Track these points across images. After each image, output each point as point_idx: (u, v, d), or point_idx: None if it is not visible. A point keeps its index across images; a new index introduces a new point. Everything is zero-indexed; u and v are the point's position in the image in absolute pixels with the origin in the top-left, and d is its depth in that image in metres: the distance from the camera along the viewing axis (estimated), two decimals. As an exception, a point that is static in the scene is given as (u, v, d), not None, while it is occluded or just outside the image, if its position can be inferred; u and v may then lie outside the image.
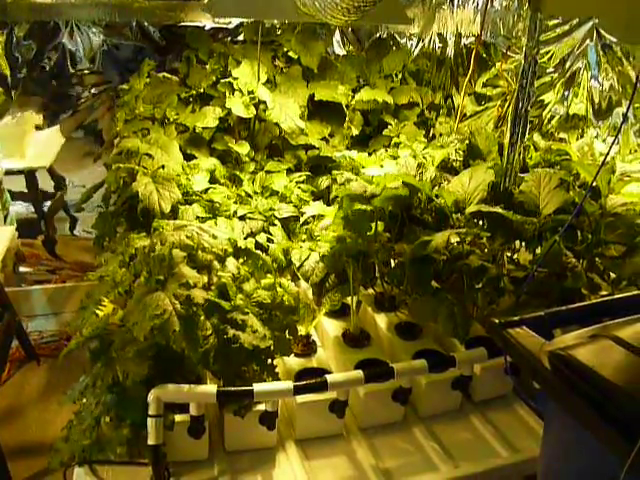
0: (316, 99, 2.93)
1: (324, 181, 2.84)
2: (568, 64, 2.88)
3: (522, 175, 2.30)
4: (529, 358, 1.12)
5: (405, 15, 2.36)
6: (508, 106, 2.60)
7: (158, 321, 1.62)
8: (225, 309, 1.73)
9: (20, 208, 3.85)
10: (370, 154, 2.95)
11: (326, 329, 2.24)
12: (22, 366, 2.87)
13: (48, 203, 3.87)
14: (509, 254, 2.39)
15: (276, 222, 2.42)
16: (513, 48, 2.69)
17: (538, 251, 2.25)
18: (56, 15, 2.94)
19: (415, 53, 3.26)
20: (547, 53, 2.83)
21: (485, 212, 2.01)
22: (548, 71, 2.76)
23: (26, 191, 3.63)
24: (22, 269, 3.50)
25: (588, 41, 2.89)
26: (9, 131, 3.20)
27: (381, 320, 2.29)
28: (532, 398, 2.02)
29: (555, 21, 2.50)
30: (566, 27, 2.79)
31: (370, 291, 2.38)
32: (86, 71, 3.52)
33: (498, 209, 1.97)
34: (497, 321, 1.23)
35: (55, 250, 3.68)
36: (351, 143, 3.07)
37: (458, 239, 1.94)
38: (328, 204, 2.70)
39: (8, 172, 3.16)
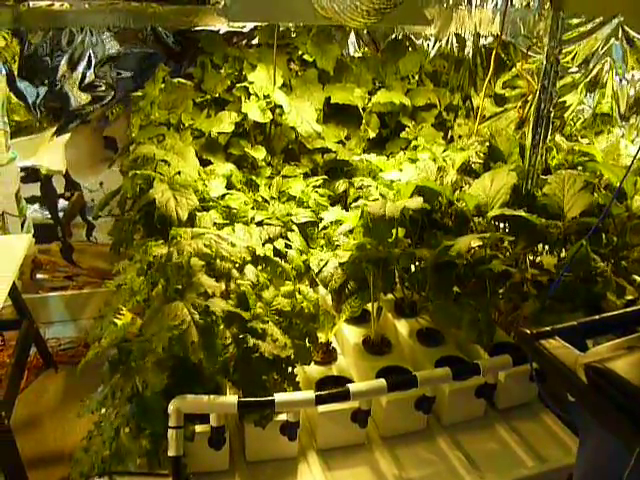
0: (332, 102, 2.89)
1: (341, 185, 2.80)
2: (592, 64, 2.82)
3: (544, 177, 2.25)
4: (564, 371, 1.07)
5: (424, 16, 2.32)
6: (530, 107, 2.55)
7: (177, 332, 1.59)
8: (245, 318, 1.70)
9: (36, 214, 3.86)
10: (387, 157, 2.91)
11: (346, 336, 2.21)
12: (40, 373, 2.86)
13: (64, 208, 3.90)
14: (531, 257, 2.34)
15: (294, 227, 2.39)
16: (534, 48, 2.63)
17: (563, 254, 2.20)
18: (71, 22, 2.94)
19: (432, 54, 3.22)
20: (569, 53, 2.78)
21: (508, 215, 1.96)
22: (570, 71, 2.71)
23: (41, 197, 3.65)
24: (39, 276, 3.50)
25: (613, 40, 2.82)
26: (27, 144, 3.22)
27: (402, 326, 2.25)
28: (559, 406, 1.97)
29: (577, 20, 2.44)
30: (589, 26, 2.73)
31: (390, 296, 2.35)
32: (98, 79, 3.52)
33: (522, 212, 1.93)
34: (528, 332, 1.18)
35: (72, 257, 3.68)
36: (368, 146, 3.03)
37: (480, 243, 1.89)
38: (345, 208, 2.67)
39: (24, 169, 3.18)
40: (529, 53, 2.70)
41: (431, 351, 2.10)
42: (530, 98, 2.65)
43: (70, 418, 2.52)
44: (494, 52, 2.50)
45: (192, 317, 1.62)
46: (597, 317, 1.27)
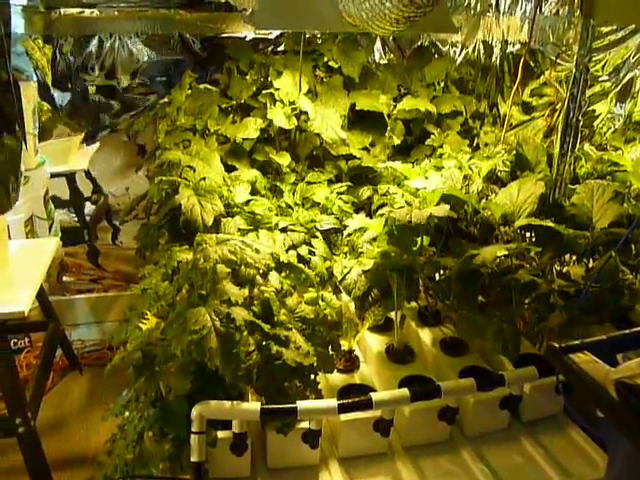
0: (357, 109, 2.89)
1: (365, 192, 2.80)
2: (622, 72, 2.77)
3: (572, 186, 2.22)
4: (594, 386, 1.05)
5: (452, 23, 2.31)
6: (558, 115, 2.51)
7: (196, 336, 1.60)
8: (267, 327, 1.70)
9: (63, 216, 3.93)
10: (412, 164, 2.90)
11: (369, 344, 2.20)
12: (65, 375, 2.90)
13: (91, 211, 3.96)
14: (557, 268, 2.31)
15: (317, 234, 2.39)
16: (563, 55, 2.59)
17: (591, 265, 2.17)
18: (100, 29, 2.98)
19: (458, 61, 3.19)
20: (599, 61, 2.72)
21: (535, 225, 1.93)
22: (601, 79, 2.66)
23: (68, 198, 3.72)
24: (65, 278, 3.56)
25: (645, 48, 2.76)
26: (56, 148, 3.28)
27: (425, 335, 2.23)
28: (586, 420, 1.93)
29: (608, 28, 2.40)
30: (620, 34, 2.67)
31: (413, 304, 2.33)
32: (126, 85, 3.57)
33: (550, 223, 1.90)
34: (557, 345, 1.16)
35: (98, 260, 3.73)
36: (392, 153, 3.02)
37: (506, 252, 1.87)
38: (369, 215, 2.67)
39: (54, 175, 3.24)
40: (558, 61, 2.66)
41: (455, 361, 2.08)
42: (558, 107, 2.62)
43: (94, 420, 2.55)
44: (522, 59, 2.47)
45: (213, 323, 1.63)
46: (627, 331, 1.25)
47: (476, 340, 2.14)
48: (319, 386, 1.81)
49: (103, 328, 3.28)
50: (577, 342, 1.21)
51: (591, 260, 2.05)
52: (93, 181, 3.95)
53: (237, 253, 1.81)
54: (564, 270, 2.30)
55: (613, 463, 1.15)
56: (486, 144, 2.68)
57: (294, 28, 2.53)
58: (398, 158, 3.02)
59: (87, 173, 3.81)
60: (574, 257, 2.26)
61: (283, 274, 2.00)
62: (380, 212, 2.53)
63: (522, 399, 1.93)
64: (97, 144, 3.61)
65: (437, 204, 1.95)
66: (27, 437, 2.11)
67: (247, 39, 3.11)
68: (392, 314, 2.12)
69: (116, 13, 2.93)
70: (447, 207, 1.83)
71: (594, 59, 2.01)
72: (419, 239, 1.96)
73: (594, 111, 2.72)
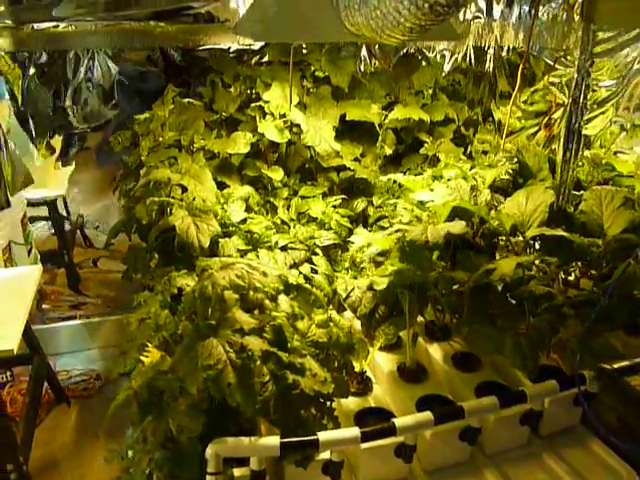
0: (347, 119, 2.82)
1: (359, 204, 2.74)
2: (626, 78, 2.74)
3: (576, 193, 2.19)
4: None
5: (454, 31, 2.26)
6: (558, 122, 2.48)
7: (212, 372, 1.50)
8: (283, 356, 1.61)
9: (41, 235, 3.77)
10: (404, 173, 2.85)
11: (379, 363, 2.12)
12: (52, 409, 2.74)
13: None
14: (562, 276, 2.27)
15: (317, 251, 2.30)
16: (562, 60, 2.57)
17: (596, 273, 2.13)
18: (76, 44, 2.84)
19: (447, 68, 3.15)
20: (602, 67, 2.70)
21: (547, 235, 1.88)
22: (603, 84, 2.64)
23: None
24: (45, 306, 3.39)
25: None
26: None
27: (435, 351, 2.17)
28: (609, 430, 1.88)
29: (610, 32, 2.38)
30: (621, 39, 2.65)
31: (420, 319, 2.26)
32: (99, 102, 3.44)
33: (562, 232, 1.85)
34: (609, 367, 1.10)
35: (79, 286, 3.57)
36: (383, 162, 2.96)
37: (523, 265, 1.82)
38: (364, 226, 2.60)
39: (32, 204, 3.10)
40: (556, 66, 2.63)
41: (469, 377, 2.02)
42: (558, 113, 2.59)
43: (87, 457, 2.41)
44: (521, 65, 2.43)
45: (228, 356, 1.53)
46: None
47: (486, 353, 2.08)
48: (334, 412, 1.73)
49: (89, 356, 3.13)
50: (627, 363, 1.15)
51: (604, 268, 2.01)
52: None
53: (244, 278, 1.71)
54: (569, 279, 2.27)
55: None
56: (485, 152, 2.64)
57: (293, 40, 2.44)
58: (389, 168, 2.96)
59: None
60: (579, 265, 2.23)
61: (290, 295, 1.91)
62: (380, 224, 2.47)
63: (543, 414, 1.89)
64: (72, 166, 3.45)
65: (448, 217, 1.89)
66: (20, 483, 1.96)
67: (230, 50, 3.01)
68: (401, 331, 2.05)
69: (92, 27, 2.79)
70: (463, 223, 1.77)
71: (597, 64, 1.99)
72: (432, 255, 1.90)
73: (596, 117, 2.68)
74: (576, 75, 2.01)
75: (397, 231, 1.85)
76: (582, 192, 2.12)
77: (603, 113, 2.32)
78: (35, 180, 2.92)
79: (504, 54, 2.94)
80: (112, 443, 2.29)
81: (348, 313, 2.19)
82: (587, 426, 2.02)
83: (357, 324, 2.14)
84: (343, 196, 2.67)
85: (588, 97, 2.03)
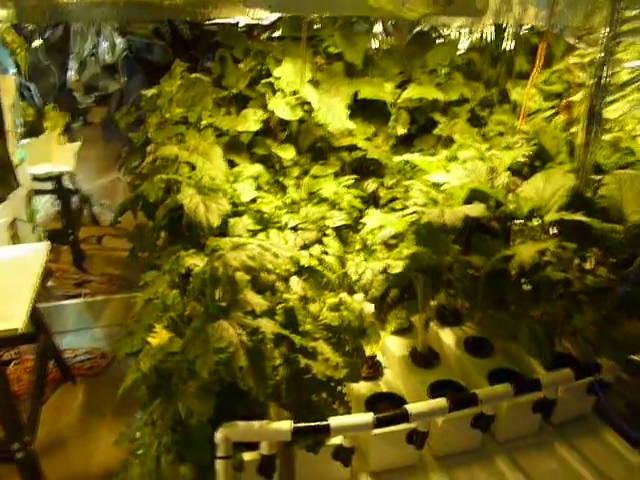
0: (360, 97, 2.74)
1: (370, 184, 2.68)
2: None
3: (595, 177, 2.13)
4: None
5: (474, 7, 2.18)
6: (578, 104, 2.40)
7: (223, 355, 1.46)
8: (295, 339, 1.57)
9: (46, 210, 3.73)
10: (416, 154, 2.78)
11: (390, 348, 2.08)
12: (58, 387, 2.72)
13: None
14: (577, 262, 2.22)
15: (329, 232, 2.25)
16: (586, 38, 2.48)
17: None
18: (81, 16, 2.76)
19: (464, 46, 3.06)
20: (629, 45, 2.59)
21: (566, 220, 1.83)
22: (626, 65, 2.55)
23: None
24: (50, 284, 3.36)
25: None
26: (35, 145, 3.06)
27: (446, 336, 2.13)
28: (623, 419, 1.85)
29: (637, 11, 2.29)
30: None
31: (431, 303, 2.22)
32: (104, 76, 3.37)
33: (582, 217, 1.80)
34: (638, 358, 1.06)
35: (83, 263, 3.53)
36: (395, 142, 2.89)
37: (542, 251, 1.77)
38: (375, 207, 2.55)
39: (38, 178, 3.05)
40: (578, 45, 2.54)
41: (481, 363, 1.99)
42: (575, 95, 2.50)
43: (93, 436, 2.39)
44: (542, 45, 2.34)
45: (240, 338, 1.49)
46: None
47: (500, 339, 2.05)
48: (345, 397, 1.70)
49: (94, 334, 3.10)
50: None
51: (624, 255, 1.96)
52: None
53: (256, 259, 1.66)
54: (584, 265, 2.22)
55: None
56: (501, 133, 2.57)
57: (313, 12, 2.35)
58: (401, 148, 2.89)
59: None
60: (594, 251, 2.18)
61: (302, 277, 1.87)
62: (391, 206, 2.41)
63: (556, 402, 1.86)
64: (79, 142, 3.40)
65: (465, 200, 1.84)
66: (26, 462, 1.95)
67: (239, 25, 2.93)
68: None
69: (99, -1, 2.71)
70: (482, 206, 1.72)
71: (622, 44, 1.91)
72: (444, 236, 1.85)
73: (619, 99, 2.58)
74: (602, 54, 1.93)
75: (413, 213, 1.79)
76: (601, 176, 2.05)
77: (624, 97, 2.24)
78: (39, 154, 2.86)
79: (523, 33, 2.85)
80: (119, 422, 2.27)
81: (358, 296, 2.15)
82: (599, 414, 1.99)
83: (368, 307, 2.11)
84: (356, 176, 2.61)
85: (612, 78, 1.96)
